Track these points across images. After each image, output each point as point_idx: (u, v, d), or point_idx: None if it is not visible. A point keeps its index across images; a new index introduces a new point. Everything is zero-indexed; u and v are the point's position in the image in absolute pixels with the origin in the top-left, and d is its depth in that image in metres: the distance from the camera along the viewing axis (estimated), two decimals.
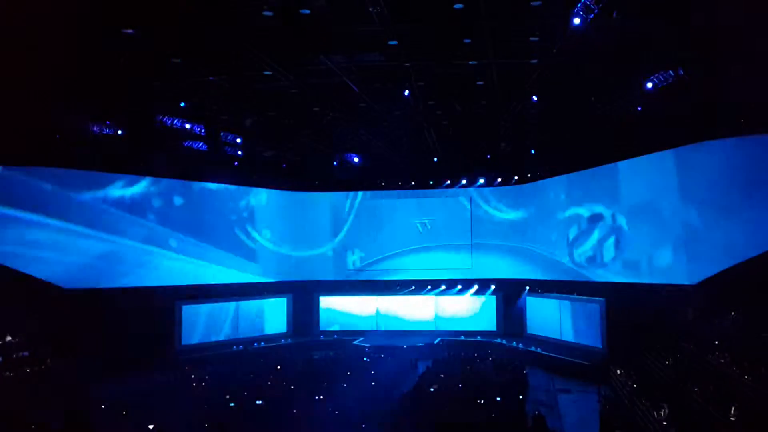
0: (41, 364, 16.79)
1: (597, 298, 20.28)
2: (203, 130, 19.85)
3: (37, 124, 17.16)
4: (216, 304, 23.70)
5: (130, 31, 12.80)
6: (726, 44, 12.65)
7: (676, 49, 13.64)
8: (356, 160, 20.58)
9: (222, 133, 20.68)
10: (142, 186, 21.46)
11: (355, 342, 24.10)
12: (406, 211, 27.05)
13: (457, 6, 12.08)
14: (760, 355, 12.42)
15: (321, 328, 26.34)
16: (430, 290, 26.21)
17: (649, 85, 14.84)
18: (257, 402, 13.75)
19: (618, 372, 15.01)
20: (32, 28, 11.90)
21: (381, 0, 11.38)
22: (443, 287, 26.05)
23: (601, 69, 14.94)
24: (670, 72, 14.15)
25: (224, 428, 11.59)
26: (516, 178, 25.44)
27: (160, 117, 18.29)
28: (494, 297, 25.36)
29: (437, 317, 25.97)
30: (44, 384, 16.01)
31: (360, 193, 27.45)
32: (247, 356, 21.89)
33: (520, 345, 21.97)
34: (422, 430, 11.78)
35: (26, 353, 17.07)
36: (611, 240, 19.87)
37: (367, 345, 23.32)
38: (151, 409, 13.05)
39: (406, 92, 16.54)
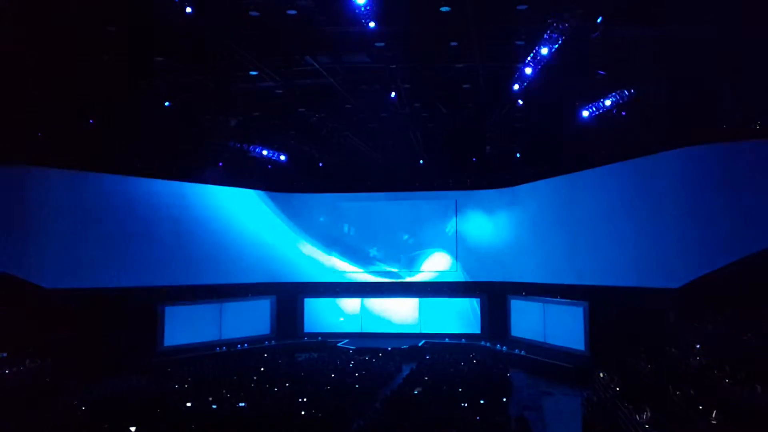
0: (20, 366, 16.55)
1: (580, 302, 20.39)
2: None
3: (20, 122, 16.95)
4: (199, 306, 23.51)
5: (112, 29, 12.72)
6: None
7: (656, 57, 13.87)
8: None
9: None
10: (126, 185, 21.19)
11: (339, 344, 24.04)
12: (391, 212, 27.03)
13: (444, 9, 12.12)
14: (740, 359, 12.56)
15: (305, 330, 26.26)
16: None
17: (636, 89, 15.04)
18: (240, 404, 13.65)
19: (601, 375, 15.07)
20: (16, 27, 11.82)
21: (368, 1, 11.37)
22: None
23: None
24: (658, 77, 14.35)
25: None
26: (501, 181, 25.48)
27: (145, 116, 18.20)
28: (478, 300, 25.43)
29: (422, 320, 25.97)
30: (23, 386, 15.77)
31: (345, 195, 27.40)
32: (230, 358, 21.72)
33: (504, 348, 22.01)
34: None
35: (5, 354, 16.82)
36: (595, 243, 19.98)
37: (352, 347, 23.27)
38: (132, 411, 12.90)
39: (393, 94, 16.55)
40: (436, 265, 26.45)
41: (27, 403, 14.02)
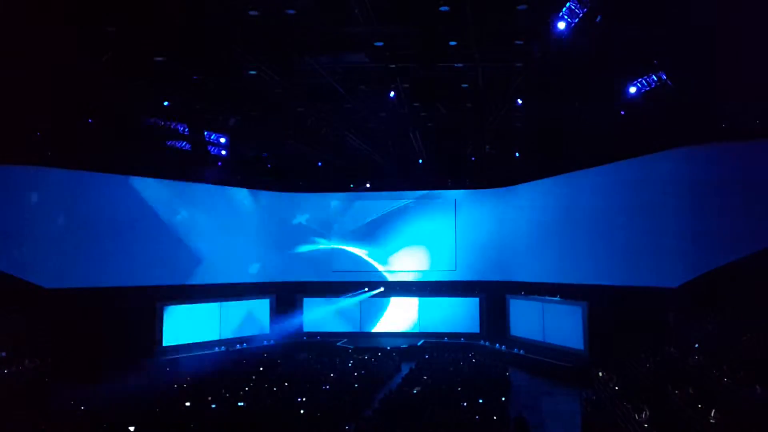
0: (20, 366, 16.54)
1: (579, 301, 20.40)
2: (186, 130, 19.71)
3: (18, 122, 16.93)
4: (198, 305, 23.51)
5: (111, 29, 12.70)
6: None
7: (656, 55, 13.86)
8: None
9: (206, 133, 20.54)
10: (124, 185, 21.19)
11: (338, 343, 24.05)
12: (390, 211, 27.02)
13: (443, 8, 12.10)
14: (738, 358, 12.57)
15: (304, 329, 26.27)
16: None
17: (633, 90, 15.02)
18: (239, 404, 13.65)
19: (600, 374, 15.10)
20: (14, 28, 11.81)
21: (367, 1, 11.37)
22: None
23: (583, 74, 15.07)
24: (653, 77, 14.32)
25: None
26: (500, 180, 25.46)
27: (144, 116, 18.17)
28: (478, 299, 25.43)
29: (421, 319, 25.97)
30: (22, 385, 15.77)
31: (345, 195, 27.43)
32: (229, 357, 21.72)
33: (503, 347, 22.03)
34: None
35: (4, 354, 16.81)
36: (594, 242, 19.98)
37: (351, 346, 23.28)
38: (131, 411, 12.90)
39: (392, 94, 16.54)
40: (436, 264, 26.46)
41: (27, 403, 14.03)
